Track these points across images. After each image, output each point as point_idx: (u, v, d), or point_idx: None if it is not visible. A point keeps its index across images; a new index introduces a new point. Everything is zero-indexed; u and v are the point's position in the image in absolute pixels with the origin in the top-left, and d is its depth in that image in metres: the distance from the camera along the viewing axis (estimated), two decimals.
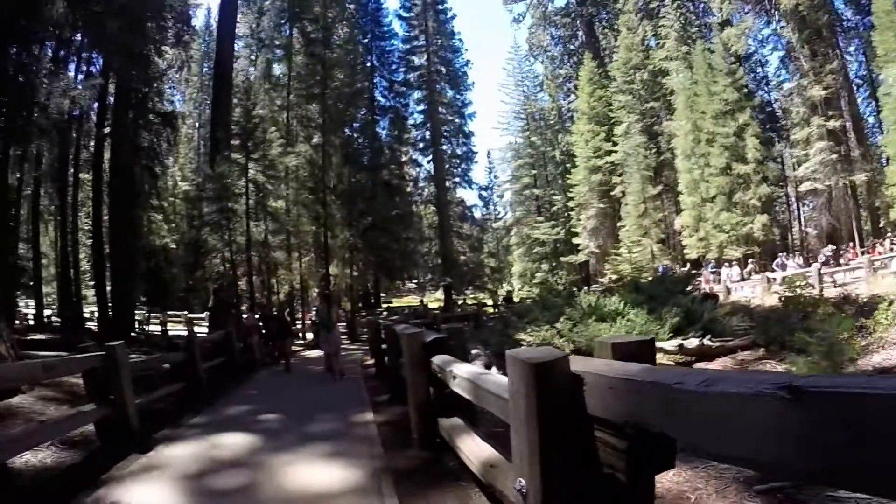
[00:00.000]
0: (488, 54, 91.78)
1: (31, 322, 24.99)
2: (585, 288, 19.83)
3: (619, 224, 38.51)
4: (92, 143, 23.43)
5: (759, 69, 38.75)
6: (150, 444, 5.81)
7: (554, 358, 2.19)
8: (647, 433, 1.82)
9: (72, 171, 23.99)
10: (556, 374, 2.16)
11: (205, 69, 45.06)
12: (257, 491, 4.34)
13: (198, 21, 41.46)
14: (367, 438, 5.89)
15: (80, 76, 21.26)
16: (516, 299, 31.94)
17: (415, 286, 49.70)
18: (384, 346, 10.19)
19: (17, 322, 21.63)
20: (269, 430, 6.49)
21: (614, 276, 30.21)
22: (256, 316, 17.45)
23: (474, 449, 3.77)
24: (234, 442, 5.96)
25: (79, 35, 19.40)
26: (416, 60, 41.05)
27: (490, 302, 35.83)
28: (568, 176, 43.04)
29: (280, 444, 5.72)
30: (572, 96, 47.74)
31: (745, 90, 32.77)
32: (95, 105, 22.28)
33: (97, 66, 21.99)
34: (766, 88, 38.70)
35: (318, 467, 4.87)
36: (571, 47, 50.43)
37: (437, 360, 4.61)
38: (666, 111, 39.61)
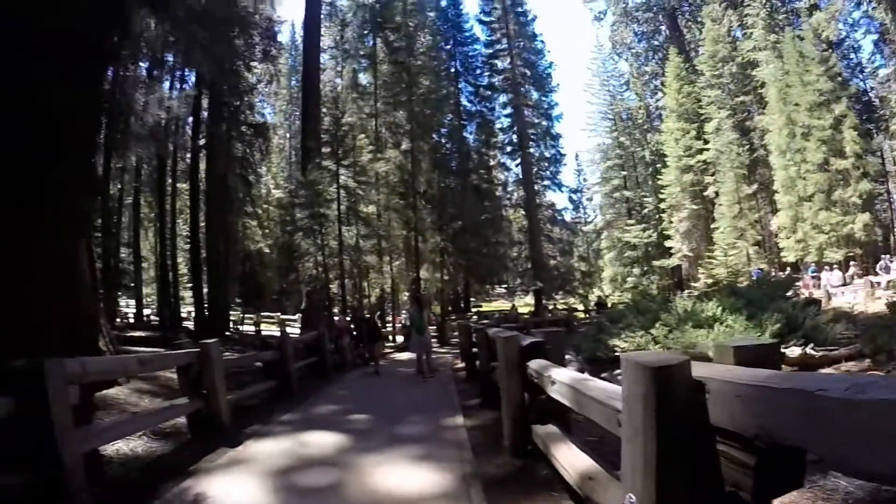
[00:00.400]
0: (571, 55, 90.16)
1: (132, 320, 27.17)
2: (679, 293, 19.02)
3: (712, 226, 36.74)
4: (188, 155, 24.87)
5: (853, 55, 36.10)
6: (240, 439, 5.86)
7: (676, 362, 1.99)
8: (779, 447, 1.65)
9: (170, 181, 25.67)
10: (678, 380, 1.96)
11: (293, 82, 46.90)
12: (343, 491, 4.22)
13: (284, 37, 42.91)
14: (457, 443, 5.68)
15: (175, 91, 22.70)
16: (608, 305, 31.19)
17: (504, 291, 49.41)
18: (475, 349, 10.10)
19: (118, 320, 23.53)
20: (357, 430, 6.40)
21: (709, 281, 28.82)
22: (348, 318, 17.63)
23: (571, 459, 3.52)
24: (322, 440, 5.92)
25: (170, 56, 20.60)
26: (500, 64, 40.70)
27: (581, 307, 35.26)
28: (659, 177, 41.49)
29: (368, 445, 5.61)
30: (659, 94, 46.10)
31: (840, 78, 30.63)
32: (190, 119, 23.78)
33: (190, 84, 23.43)
34: (860, 76, 35.98)
35: (407, 470, 4.71)
36: (656, 43, 48.92)
37: (534, 364, 4.39)
38: (758, 105, 37.48)
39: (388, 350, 19.40)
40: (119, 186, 27.53)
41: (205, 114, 22.76)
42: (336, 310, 22.65)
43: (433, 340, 15.48)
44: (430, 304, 14.43)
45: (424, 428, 6.48)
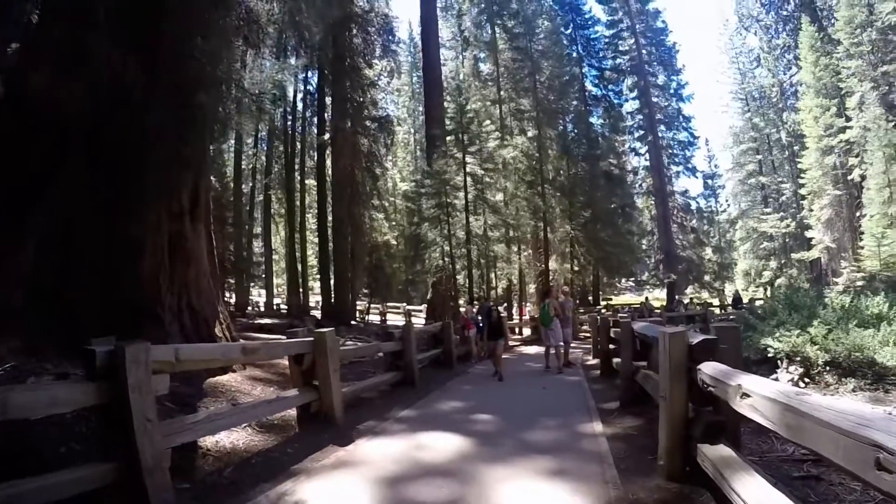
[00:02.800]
0: (695, 35, 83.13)
1: (262, 308, 29.02)
2: (828, 287, 16.90)
3: (858, 214, 32.37)
4: (314, 152, 25.84)
5: None
6: (351, 436, 5.42)
7: None
8: None
9: (298, 177, 27.03)
10: None
11: (414, 79, 47.62)
12: None
13: (402, 34, 43.69)
14: (597, 456, 4.79)
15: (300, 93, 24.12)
16: (745, 300, 29.19)
17: (631, 285, 47.62)
18: (612, 346, 9.43)
19: (248, 308, 25.18)
20: (481, 434, 5.72)
21: (857, 274, 25.54)
22: (475, 309, 16.94)
23: (762, 498, 2.56)
24: (441, 443, 5.27)
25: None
26: (623, 45, 39.55)
27: (716, 302, 33.37)
28: (797, 160, 37.81)
29: (494, 453, 4.88)
30: (794, 68, 42.06)
31: None
32: (315, 119, 24.69)
33: (313, 84, 24.78)
34: None
35: (538, 487, 3.92)
36: (785, 12, 44.44)
37: (708, 368, 3.40)
38: None
39: (515, 342, 18.73)
40: (251, 184, 29.26)
41: (329, 113, 23.46)
42: (462, 300, 22.19)
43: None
44: (557, 296, 12.95)
45: (558, 434, 5.68)
